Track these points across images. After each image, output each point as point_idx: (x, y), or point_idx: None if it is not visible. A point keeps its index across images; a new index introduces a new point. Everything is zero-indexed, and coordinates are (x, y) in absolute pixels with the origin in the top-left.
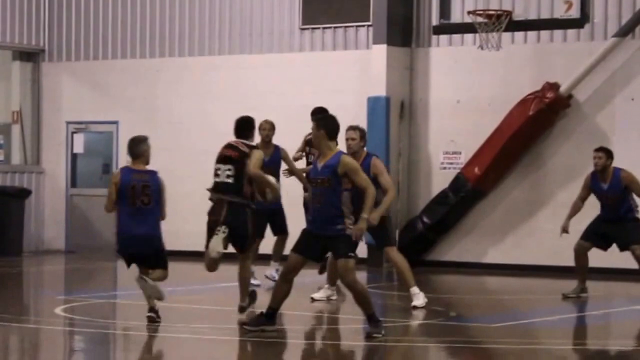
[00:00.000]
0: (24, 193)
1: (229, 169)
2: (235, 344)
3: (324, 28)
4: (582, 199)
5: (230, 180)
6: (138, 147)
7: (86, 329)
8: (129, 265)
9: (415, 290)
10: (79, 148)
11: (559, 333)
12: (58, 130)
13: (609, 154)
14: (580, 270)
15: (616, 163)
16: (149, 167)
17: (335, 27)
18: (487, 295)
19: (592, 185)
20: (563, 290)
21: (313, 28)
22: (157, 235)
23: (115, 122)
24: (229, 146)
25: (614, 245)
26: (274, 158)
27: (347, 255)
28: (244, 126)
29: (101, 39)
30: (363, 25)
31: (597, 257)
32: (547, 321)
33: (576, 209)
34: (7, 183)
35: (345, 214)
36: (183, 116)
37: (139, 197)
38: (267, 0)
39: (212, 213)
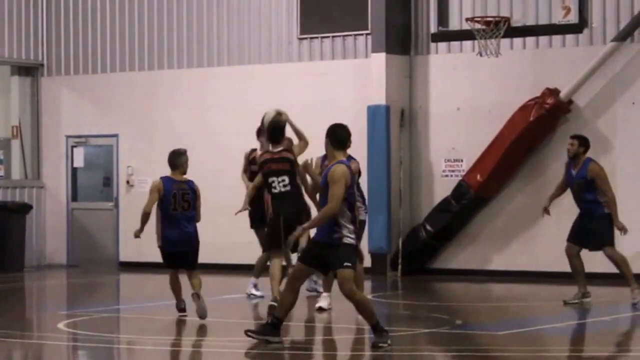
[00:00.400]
0: (25, 208)
1: (283, 180)
2: (240, 356)
3: (323, 37)
4: (561, 185)
5: (289, 189)
6: (178, 159)
7: (90, 343)
8: (170, 265)
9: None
10: (79, 162)
11: (566, 340)
12: (58, 144)
13: (582, 141)
14: (576, 274)
15: (618, 167)
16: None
17: (333, 36)
18: (492, 303)
19: (566, 172)
20: (568, 296)
21: (311, 37)
22: (196, 235)
23: (115, 135)
24: (275, 160)
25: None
26: None
27: (342, 266)
28: (278, 130)
29: (99, 53)
30: (361, 34)
31: (602, 262)
32: (554, 328)
33: (558, 192)
34: (7, 198)
35: (342, 223)
36: (182, 127)
37: (179, 204)
38: (265, 10)
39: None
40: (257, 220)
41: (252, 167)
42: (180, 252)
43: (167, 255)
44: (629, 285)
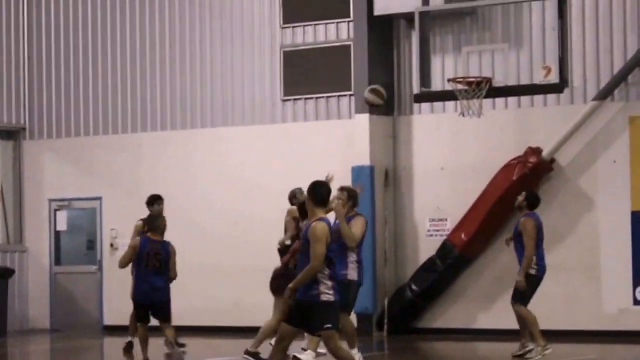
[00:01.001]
0: (7, 273)
1: None
2: None
3: (306, 98)
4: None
5: None
6: (155, 222)
7: None
8: (141, 317)
9: None
10: (62, 225)
11: None
12: (40, 208)
13: (526, 196)
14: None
15: (600, 224)
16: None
17: (317, 97)
18: None
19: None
20: (553, 354)
21: (295, 99)
22: (165, 289)
23: (99, 198)
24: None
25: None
26: None
27: (323, 329)
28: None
29: (82, 116)
30: (345, 95)
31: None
32: None
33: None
34: None
35: (320, 279)
36: (166, 190)
37: (151, 261)
38: (248, 72)
39: None
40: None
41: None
42: (149, 304)
43: (137, 307)
44: (535, 341)
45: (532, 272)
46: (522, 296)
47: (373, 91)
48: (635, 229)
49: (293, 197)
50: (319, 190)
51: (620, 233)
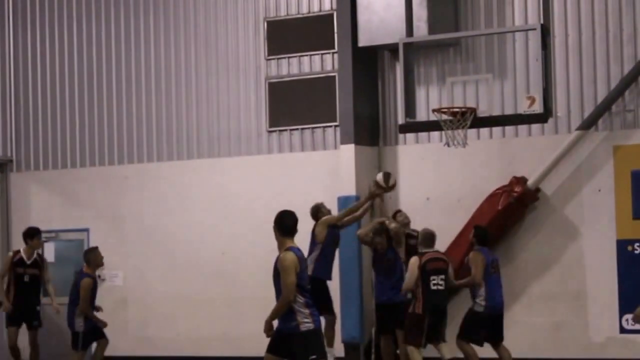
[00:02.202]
0: None
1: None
2: None
3: (291, 129)
4: None
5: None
6: (85, 255)
7: None
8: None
9: None
10: (49, 257)
11: None
12: None
13: (474, 232)
14: None
15: (585, 253)
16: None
17: (302, 128)
18: None
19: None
20: None
21: (280, 130)
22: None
23: (86, 230)
24: (439, 259)
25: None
26: None
27: (309, 359)
28: (292, 223)
29: (68, 148)
30: (330, 126)
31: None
32: None
33: None
34: None
35: (296, 309)
36: (152, 221)
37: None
38: (234, 104)
39: None
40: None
41: (18, 269)
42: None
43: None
44: None
45: (479, 309)
46: (467, 332)
47: (386, 175)
48: (620, 257)
49: (318, 211)
50: (285, 220)
51: (606, 261)
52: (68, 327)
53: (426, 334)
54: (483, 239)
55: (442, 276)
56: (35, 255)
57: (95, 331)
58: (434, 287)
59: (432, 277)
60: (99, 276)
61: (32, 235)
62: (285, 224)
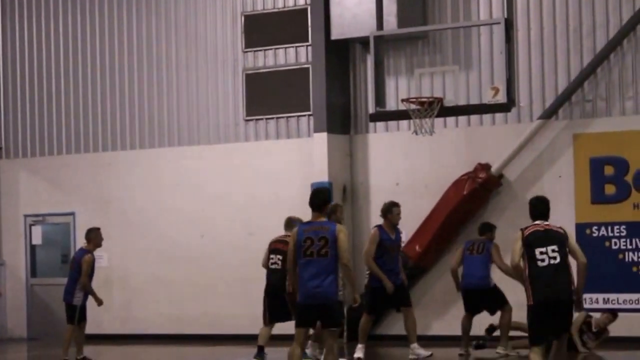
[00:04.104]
0: None
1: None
2: None
3: (267, 119)
4: None
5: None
6: (88, 234)
7: None
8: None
9: None
10: (37, 239)
11: None
12: (17, 223)
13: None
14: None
15: None
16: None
17: (277, 117)
18: None
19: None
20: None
21: (257, 119)
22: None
23: (72, 214)
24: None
25: None
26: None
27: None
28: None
29: (55, 136)
30: (304, 115)
31: None
32: None
33: None
34: None
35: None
36: (135, 206)
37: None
38: (212, 93)
39: None
40: None
41: None
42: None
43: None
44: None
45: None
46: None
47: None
48: (579, 240)
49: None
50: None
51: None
52: (64, 301)
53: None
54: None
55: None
56: None
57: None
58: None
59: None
60: None
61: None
62: (315, 201)
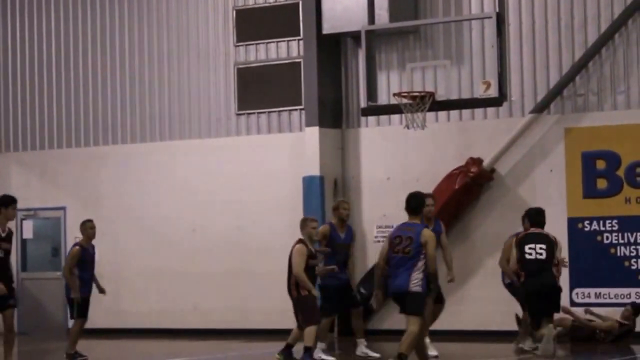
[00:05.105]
0: None
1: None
2: None
3: (259, 113)
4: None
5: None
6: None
7: None
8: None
9: None
10: (28, 234)
11: None
12: None
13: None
14: None
15: None
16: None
17: (269, 112)
18: None
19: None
20: (493, 355)
21: (248, 113)
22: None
23: (63, 208)
24: None
25: None
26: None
27: None
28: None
29: (46, 130)
30: (296, 109)
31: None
32: None
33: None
34: None
35: None
36: (126, 200)
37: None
38: (204, 87)
39: None
40: None
41: None
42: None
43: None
44: None
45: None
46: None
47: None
48: (571, 234)
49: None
50: (411, 202)
51: (558, 238)
52: (65, 296)
53: None
54: None
55: None
56: (7, 227)
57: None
58: None
59: None
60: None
61: (8, 203)
62: (410, 205)
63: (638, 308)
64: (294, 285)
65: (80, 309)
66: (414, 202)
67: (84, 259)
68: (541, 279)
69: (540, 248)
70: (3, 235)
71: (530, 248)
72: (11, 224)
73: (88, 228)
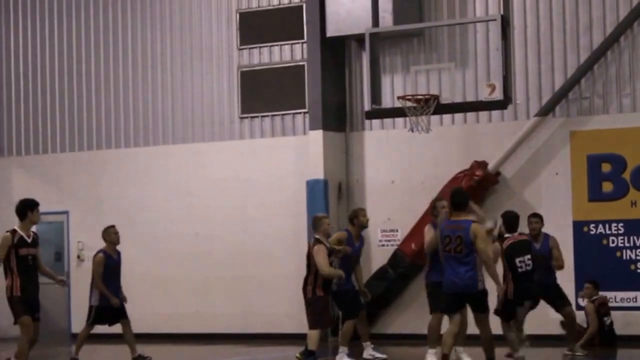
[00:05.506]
0: None
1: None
2: None
3: (263, 116)
4: None
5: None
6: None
7: None
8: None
9: None
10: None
11: None
12: (10, 222)
13: (541, 219)
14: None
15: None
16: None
17: (273, 115)
18: None
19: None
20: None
21: (252, 117)
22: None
23: (65, 212)
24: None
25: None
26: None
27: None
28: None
29: (49, 133)
30: (300, 113)
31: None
32: None
33: None
34: None
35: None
36: (129, 204)
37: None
38: (207, 91)
39: None
40: None
41: (21, 250)
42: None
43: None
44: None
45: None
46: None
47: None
48: (576, 237)
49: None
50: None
51: (563, 242)
52: (90, 304)
53: None
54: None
55: None
56: (32, 232)
57: (115, 310)
58: None
59: None
60: (79, 256)
61: (33, 206)
62: (454, 200)
63: (596, 282)
64: (311, 285)
65: (98, 316)
66: (458, 197)
67: (110, 265)
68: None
69: (528, 259)
70: (29, 240)
71: (520, 261)
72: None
73: (112, 234)
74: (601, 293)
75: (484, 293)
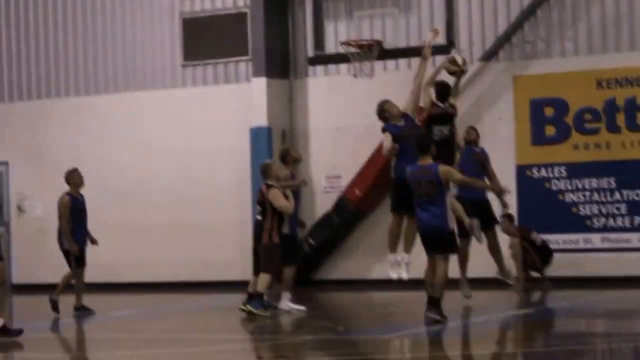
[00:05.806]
0: None
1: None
2: None
3: (205, 64)
4: None
5: None
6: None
7: None
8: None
9: None
10: None
11: (446, 341)
12: None
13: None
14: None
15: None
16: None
17: (215, 63)
18: (373, 310)
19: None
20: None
21: (194, 64)
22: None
23: (5, 163)
24: None
25: None
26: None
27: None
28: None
29: None
30: (242, 60)
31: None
32: (433, 330)
33: None
34: None
35: None
36: (70, 154)
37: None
38: (148, 38)
39: None
40: None
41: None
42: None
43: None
44: None
45: None
46: None
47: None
48: (520, 181)
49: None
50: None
51: (507, 185)
52: (60, 248)
53: None
54: None
55: None
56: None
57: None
58: None
59: None
60: (19, 207)
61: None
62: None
63: (511, 215)
64: (267, 231)
65: (78, 259)
66: (423, 142)
67: (76, 207)
68: None
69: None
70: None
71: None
72: None
73: (76, 177)
74: (545, 236)
75: (453, 233)
